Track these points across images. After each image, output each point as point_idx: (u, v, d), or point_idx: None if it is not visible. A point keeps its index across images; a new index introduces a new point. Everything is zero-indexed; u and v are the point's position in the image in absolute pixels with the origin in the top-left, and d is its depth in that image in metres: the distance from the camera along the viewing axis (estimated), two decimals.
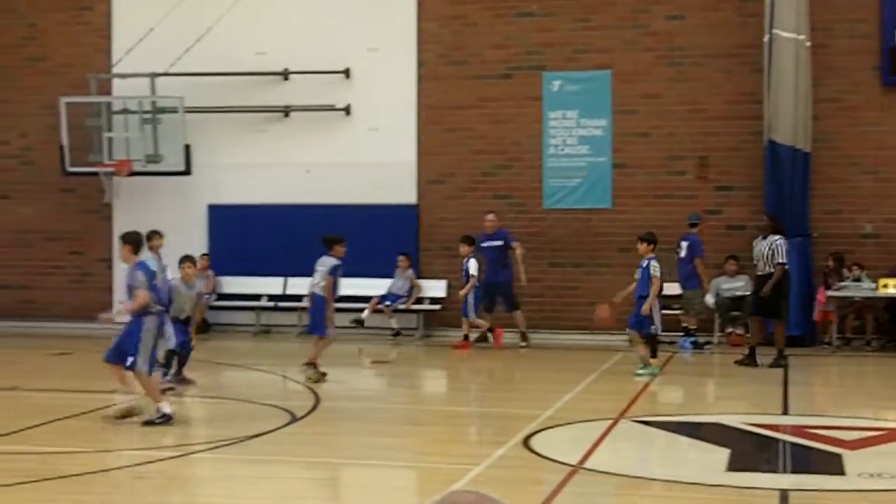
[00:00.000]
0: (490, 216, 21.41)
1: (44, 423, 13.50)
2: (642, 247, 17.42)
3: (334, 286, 16.37)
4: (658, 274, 17.08)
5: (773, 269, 18.06)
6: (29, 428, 13.19)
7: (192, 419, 15.03)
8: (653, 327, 17.20)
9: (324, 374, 16.33)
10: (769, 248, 18.18)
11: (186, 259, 16.47)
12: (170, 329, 14.54)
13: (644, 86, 22.26)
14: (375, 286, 22.21)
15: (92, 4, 24.42)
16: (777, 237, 18.27)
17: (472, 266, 20.45)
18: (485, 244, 21.06)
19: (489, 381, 17.36)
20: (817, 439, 12.41)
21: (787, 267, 18.24)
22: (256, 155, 23.66)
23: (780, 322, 18.39)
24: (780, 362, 18.00)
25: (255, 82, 23.65)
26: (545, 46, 22.63)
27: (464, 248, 20.68)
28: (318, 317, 16.42)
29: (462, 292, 20.48)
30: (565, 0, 22.64)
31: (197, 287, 16.53)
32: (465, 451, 12.24)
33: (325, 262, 16.41)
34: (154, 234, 16.92)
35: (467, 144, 22.89)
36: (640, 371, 16.94)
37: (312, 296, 16.51)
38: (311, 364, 16.45)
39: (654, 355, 17.35)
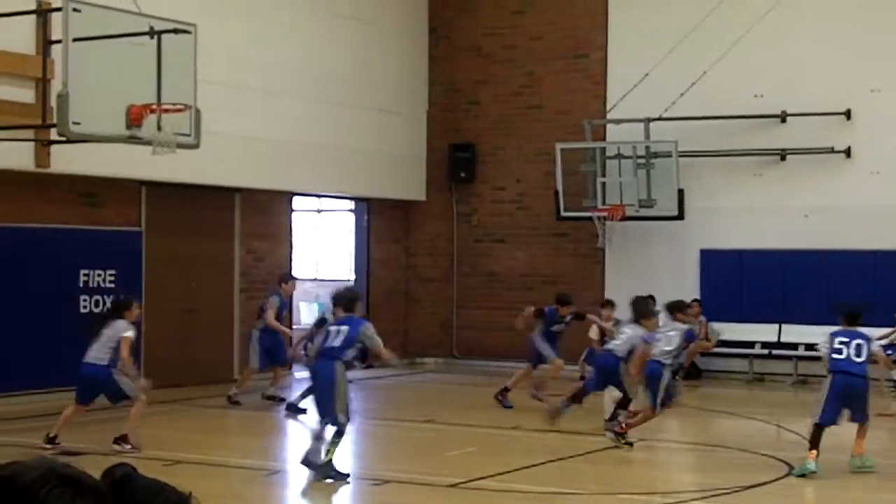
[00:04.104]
0: None
1: (546, 462, 13.59)
2: None
3: None
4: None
5: None
6: (532, 466, 13.30)
7: (685, 466, 14.75)
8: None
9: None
10: None
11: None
12: None
13: None
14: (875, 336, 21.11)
15: (588, 51, 24.69)
16: None
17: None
18: None
19: None
20: None
21: None
22: (751, 199, 23.12)
23: None
24: None
25: (751, 125, 23.14)
26: None
27: (607, 312, 20.12)
28: None
29: None
30: None
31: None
32: None
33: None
34: None
35: None
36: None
37: None
38: None
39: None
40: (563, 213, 23.74)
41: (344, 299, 13.49)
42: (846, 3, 22.69)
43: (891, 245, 21.95)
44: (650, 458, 15.16)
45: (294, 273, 19.77)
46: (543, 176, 24.40)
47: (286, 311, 19.17)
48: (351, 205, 25.84)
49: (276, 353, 18.65)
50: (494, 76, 25.47)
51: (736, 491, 12.22)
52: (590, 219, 23.69)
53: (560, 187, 23.67)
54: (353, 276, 25.68)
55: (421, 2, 25.83)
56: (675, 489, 12.54)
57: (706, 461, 14.78)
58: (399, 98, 25.20)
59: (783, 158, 23.01)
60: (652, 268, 23.59)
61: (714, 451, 15.07)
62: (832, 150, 22.49)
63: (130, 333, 14.25)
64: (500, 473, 12.98)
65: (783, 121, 22.92)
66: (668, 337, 14.91)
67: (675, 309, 15.49)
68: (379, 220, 25.60)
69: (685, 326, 15.34)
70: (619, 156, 23.59)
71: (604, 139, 24.17)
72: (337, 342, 12.74)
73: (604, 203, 23.41)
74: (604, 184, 23.46)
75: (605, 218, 23.53)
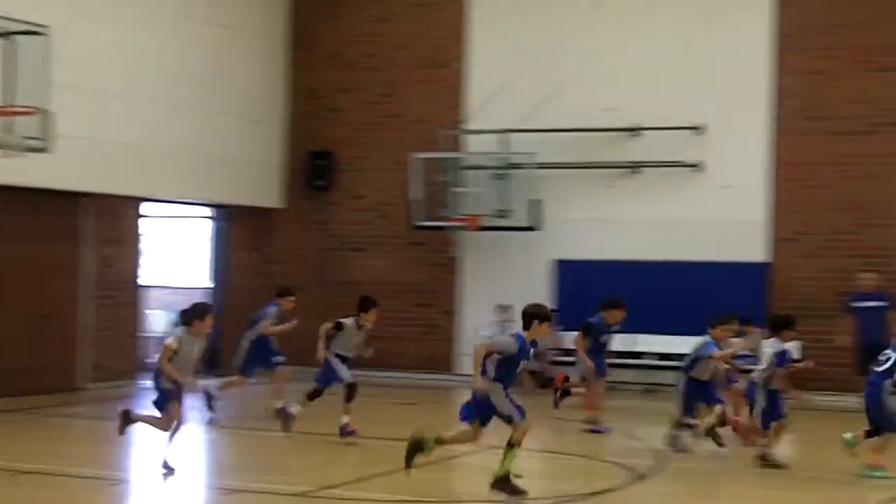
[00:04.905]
0: (869, 274, 20.68)
1: (398, 471, 13.61)
2: None
3: None
4: None
5: None
6: (383, 474, 13.32)
7: (535, 473, 14.87)
8: None
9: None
10: None
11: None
12: None
13: None
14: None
15: (447, 62, 24.85)
16: None
17: None
18: (859, 304, 20.34)
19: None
20: None
21: None
22: (605, 210, 23.49)
23: None
24: None
25: (606, 138, 23.50)
26: None
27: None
28: None
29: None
30: None
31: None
32: None
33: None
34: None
35: (824, 202, 22.15)
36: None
37: None
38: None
39: None
40: (418, 223, 23.84)
41: (522, 314, 12.45)
42: (700, 21, 23.18)
43: (741, 257, 22.50)
44: None
45: (290, 288, 19.22)
46: (402, 185, 24.44)
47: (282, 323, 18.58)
48: (209, 211, 25.63)
49: (265, 358, 18.28)
50: (355, 84, 25.50)
51: (582, 497, 12.39)
52: (444, 228, 23.85)
53: (416, 197, 23.76)
54: (211, 284, 25.46)
55: (283, 8, 25.75)
56: (528, 497, 12.65)
57: (555, 468, 14.96)
58: (260, 104, 25.11)
59: (637, 171, 23.39)
60: (507, 277, 23.81)
61: (563, 458, 15.27)
62: (685, 164, 22.96)
63: (170, 341, 13.12)
64: (351, 482, 12.99)
65: (637, 134, 23.31)
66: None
67: (782, 326, 14.59)
68: (237, 227, 25.45)
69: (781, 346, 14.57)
70: (476, 166, 23.80)
71: (463, 149, 24.35)
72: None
73: (461, 213, 23.56)
74: (461, 194, 23.63)
75: (460, 227, 23.69)
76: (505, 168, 23.49)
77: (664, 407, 20.74)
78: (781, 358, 14.24)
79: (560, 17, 23.89)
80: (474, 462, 15.24)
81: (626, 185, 23.53)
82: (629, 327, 22.30)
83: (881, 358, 13.80)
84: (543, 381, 22.98)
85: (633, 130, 23.32)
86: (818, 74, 22.40)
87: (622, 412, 19.64)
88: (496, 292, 23.65)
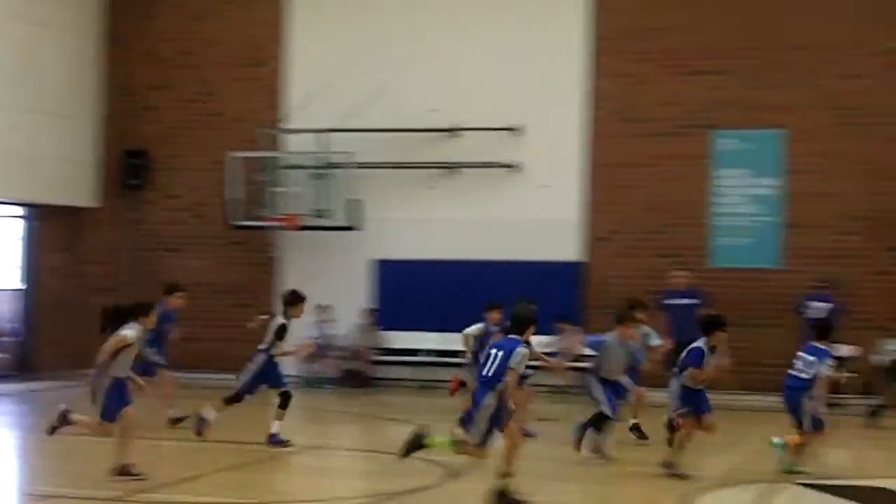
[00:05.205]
0: (681, 272, 21.19)
1: (215, 473, 13.54)
2: None
3: None
4: None
5: None
6: (195, 477, 13.20)
7: (352, 473, 14.95)
8: None
9: None
10: None
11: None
12: None
13: (817, 145, 21.99)
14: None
15: (265, 61, 24.73)
16: None
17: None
18: (672, 301, 20.82)
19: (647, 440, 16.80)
20: None
21: None
22: (426, 211, 23.62)
23: None
24: None
25: (427, 138, 23.66)
26: (717, 105, 22.37)
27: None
28: None
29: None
30: (739, 59, 22.40)
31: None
32: None
33: None
34: None
35: (636, 202, 22.67)
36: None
37: None
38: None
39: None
40: (237, 223, 23.67)
41: (514, 320, 12.14)
42: (517, 23, 23.51)
43: (558, 256, 22.88)
44: (320, 465, 15.26)
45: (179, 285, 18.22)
46: (220, 184, 24.20)
47: (171, 323, 17.69)
48: (20, 210, 25.06)
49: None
50: (171, 82, 25.22)
51: (397, 495, 12.46)
52: (263, 228, 23.73)
53: (234, 196, 23.59)
54: (22, 285, 24.91)
55: (98, 5, 25.29)
56: (342, 496, 12.71)
57: (373, 467, 14.99)
58: (72, 102, 24.63)
59: (456, 171, 23.60)
60: (327, 277, 23.76)
61: (380, 457, 15.30)
62: (503, 165, 23.24)
63: (128, 333, 13.08)
64: (173, 484, 12.84)
65: (456, 135, 23.52)
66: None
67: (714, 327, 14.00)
68: (49, 226, 24.91)
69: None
70: (295, 166, 23.74)
71: (281, 149, 24.25)
72: (491, 369, 11.70)
73: (280, 213, 23.46)
74: (280, 193, 23.53)
75: (279, 227, 23.60)
76: (324, 168, 23.48)
77: None
78: (693, 357, 13.84)
79: (380, 18, 24.01)
80: (301, 462, 15.27)
81: (445, 186, 23.71)
82: (448, 326, 22.60)
83: (798, 363, 13.97)
84: (362, 381, 23.06)
85: (452, 131, 23.52)
86: (631, 77, 22.90)
87: (439, 411, 19.77)
88: (316, 292, 23.39)
